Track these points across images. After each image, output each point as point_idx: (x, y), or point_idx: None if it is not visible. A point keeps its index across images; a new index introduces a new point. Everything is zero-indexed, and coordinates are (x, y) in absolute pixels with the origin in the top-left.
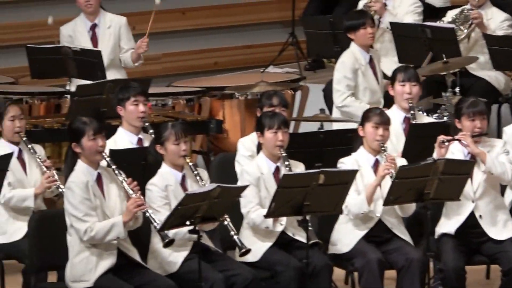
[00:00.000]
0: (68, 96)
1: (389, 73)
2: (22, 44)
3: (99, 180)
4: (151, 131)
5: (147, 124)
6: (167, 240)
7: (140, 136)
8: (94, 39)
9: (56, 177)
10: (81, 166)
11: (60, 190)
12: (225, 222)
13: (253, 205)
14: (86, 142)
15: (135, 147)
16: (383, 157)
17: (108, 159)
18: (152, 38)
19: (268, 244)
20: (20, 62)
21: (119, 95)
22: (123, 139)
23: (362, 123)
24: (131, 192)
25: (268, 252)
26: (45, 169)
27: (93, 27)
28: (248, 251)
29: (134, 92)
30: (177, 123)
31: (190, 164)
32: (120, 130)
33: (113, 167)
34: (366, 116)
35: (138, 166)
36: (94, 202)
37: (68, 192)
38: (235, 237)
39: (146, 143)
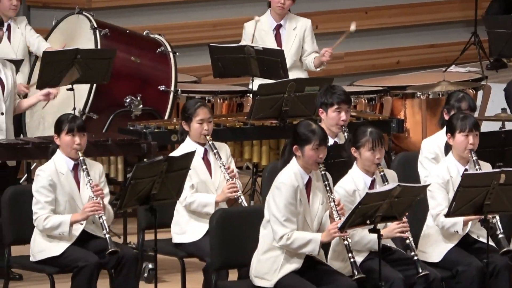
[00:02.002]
0: (250, 95)
1: None
2: (205, 43)
3: (308, 185)
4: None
5: (346, 133)
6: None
7: (336, 139)
8: (278, 39)
9: (239, 185)
10: (295, 168)
11: (240, 201)
12: (407, 241)
13: (443, 208)
14: (309, 151)
15: (331, 144)
16: None
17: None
18: (335, 38)
19: (451, 245)
20: (203, 61)
21: (323, 98)
22: None
23: None
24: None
25: (450, 252)
26: (227, 176)
27: (278, 27)
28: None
29: (338, 100)
30: (375, 130)
31: (381, 173)
32: None
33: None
34: None
35: (333, 163)
36: (298, 208)
37: (276, 191)
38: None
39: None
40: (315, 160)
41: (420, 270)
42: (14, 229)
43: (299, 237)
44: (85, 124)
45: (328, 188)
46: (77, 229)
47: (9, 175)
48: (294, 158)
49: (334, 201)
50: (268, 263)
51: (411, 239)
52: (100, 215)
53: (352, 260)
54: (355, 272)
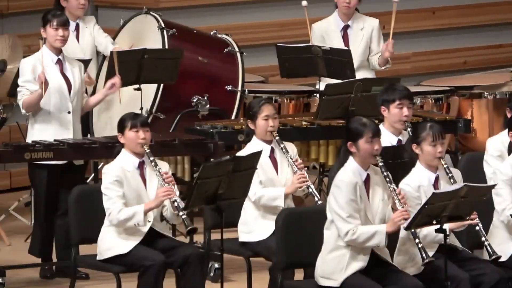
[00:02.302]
0: (317, 95)
1: None
2: (272, 43)
3: (366, 182)
4: (409, 129)
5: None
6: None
7: (400, 137)
8: (345, 39)
9: (307, 177)
10: (352, 165)
11: (310, 190)
12: (477, 228)
13: (508, 203)
14: (363, 144)
15: (392, 145)
16: None
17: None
18: (402, 38)
19: None
20: (270, 61)
21: (384, 95)
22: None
23: None
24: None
25: None
26: (296, 169)
27: (346, 27)
28: None
29: (399, 95)
30: (435, 125)
31: (445, 166)
32: (382, 129)
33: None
34: None
35: (395, 163)
36: (359, 204)
37: (335, 190)
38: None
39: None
40: (371, 153)
41: (491, 253)
42: (81, 229)
43: (364, 231)
44: (148, 119)
45: (388, 179)
46: (145, 226)
47: (77, 174)
48: (350, 157)
49: (395, 191)
50: (334, 262)
51: (480, 225)
52: (173, 199)
53: (420, 246)
54: (424, 256)
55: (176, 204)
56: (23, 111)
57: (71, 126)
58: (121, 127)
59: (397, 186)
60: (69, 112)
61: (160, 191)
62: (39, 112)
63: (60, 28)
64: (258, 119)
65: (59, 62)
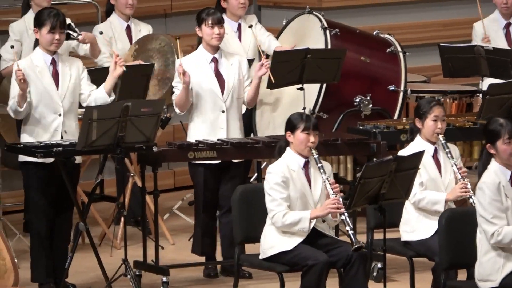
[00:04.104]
0: (480, 95)
1: None
2: (434, 43)
3: None
4: None
5: None
6: (356, 246)
7: None
8: (508, 38)
9: (469, 186)
10: (494, 166)
11: (471, 200)
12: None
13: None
14: (501, 145)
15: None
16: None
17: None
18: None
19: None
20: (432, 61)
21: None
22: None
23: None
24: None
25: None
26: (459, 176)
27: (508, 26)
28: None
29: None
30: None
31: None
32: None
33: None
34: None
35: None
36: (505, 203)
37: (479, 192)
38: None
39: None
40: (510, 153)
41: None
42: (245, 228)
43: (508, 231)
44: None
45: None
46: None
47: (237, 172)
48: (492, 158)
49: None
50: (489, 264)
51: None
52: (342, 212)
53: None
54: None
55: (344, 218)
56: (177, 111)
57: (224, 125)
58: (291, 126)
59: None
60: (222, 111)
61: (329, 202)
62: (195, 112)
63: (216, 26)
64: (427, 119)
65: (214, 60)
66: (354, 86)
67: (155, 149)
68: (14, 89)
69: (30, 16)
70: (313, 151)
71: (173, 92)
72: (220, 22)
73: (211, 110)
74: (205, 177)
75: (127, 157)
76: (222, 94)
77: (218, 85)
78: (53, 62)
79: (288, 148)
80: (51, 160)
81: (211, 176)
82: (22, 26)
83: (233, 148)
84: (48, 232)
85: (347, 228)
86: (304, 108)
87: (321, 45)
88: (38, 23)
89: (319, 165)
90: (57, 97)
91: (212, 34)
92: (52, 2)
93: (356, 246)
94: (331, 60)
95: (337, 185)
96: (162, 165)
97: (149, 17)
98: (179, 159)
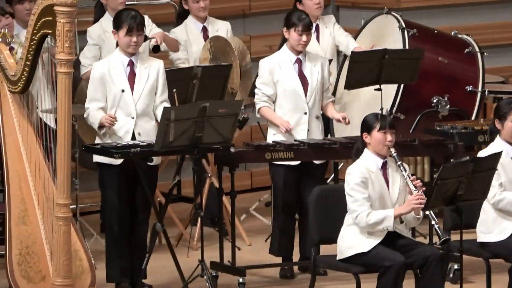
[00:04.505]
0: None
1: None
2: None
3: None
4: None
5: None
6: (443, 239)
7: None
8: None
9: None
10: None
11: None
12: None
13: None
14: None
15: None
16: None
17: None
18: None
19: None
20: (510, 62)
21: None
22: None
23: None
24: None
25: None
26: None
27: None
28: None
29: None
30: None
31: None
32: None
33: None
34: None
35: None
36: None
37: None
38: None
39: None
40: None
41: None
42: (321, 228)
43: None
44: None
45: None
46: None
47: (316, 173)
48: None
49: None
50: None
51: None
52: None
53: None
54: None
55: (428, 212)
56: (258, 115)
57: (306, 127)
58: (367, 127)
59: None
60: (305, 113)
61: (412, 198)
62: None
63: (304, 33)
64: (507, 120)
65: (298, 61)
66: (431, 86)
67: (232, 149)
68: (90, 90)
69: (106, 19)
70: (392, 149)
71: (253, 94)
72: (309, 29)
73: (294, 111)
74: (286, 178)
75: (205, 158)
76: (305, 95)
77: (301, 87)
78: (130, 64)
79: (366, 149)
80: (120, 161)
81: (292, 177)
82: (99, 30)
83: (310, 149)
84: (124, 232)
85: (433, 222)
86: (381, 109)
87: (399, 46)
88: (116, 25)
89: (399, 162)
90: (131, 100)
91: (300, 41)
92: (131, 2)
93: (444, 238)
94: (409, 61)
95: (418, 180)
96: (239, 165)
97: (228, 17)
98: (256, 160)
